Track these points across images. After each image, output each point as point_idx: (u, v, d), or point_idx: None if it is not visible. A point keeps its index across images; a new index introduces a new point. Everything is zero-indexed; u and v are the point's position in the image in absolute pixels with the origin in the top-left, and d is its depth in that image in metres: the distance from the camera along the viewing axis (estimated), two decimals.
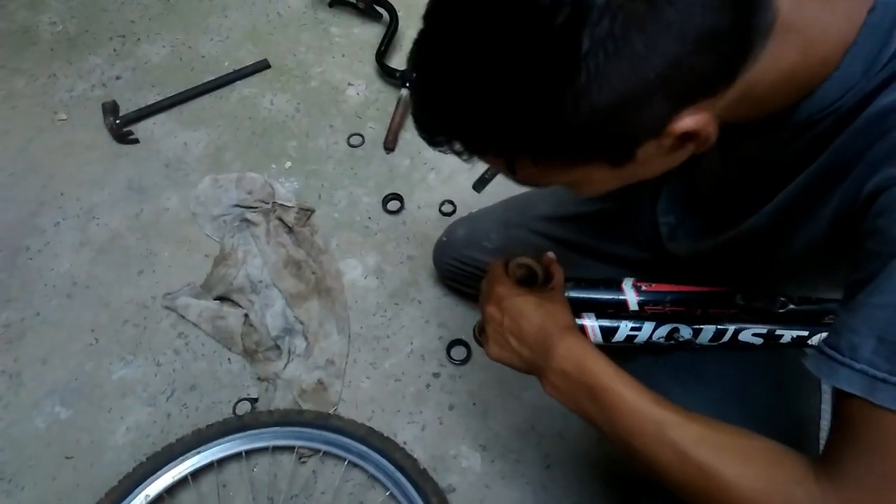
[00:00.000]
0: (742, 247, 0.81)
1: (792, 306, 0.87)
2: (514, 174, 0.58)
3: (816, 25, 0.55)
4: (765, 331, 0.87)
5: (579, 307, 0.90)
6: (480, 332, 0.98)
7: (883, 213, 0.54)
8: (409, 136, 1.77)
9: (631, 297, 0.92)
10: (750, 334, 0.88)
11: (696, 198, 0.92)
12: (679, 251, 0.95)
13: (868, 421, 0.54)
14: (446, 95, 0.52)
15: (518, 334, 0.81)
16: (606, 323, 0.91)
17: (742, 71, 0.52)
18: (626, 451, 0.70)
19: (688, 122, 0.51)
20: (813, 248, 0.69)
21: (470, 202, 1.61)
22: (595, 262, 1.17)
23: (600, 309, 0.93)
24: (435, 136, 0.56)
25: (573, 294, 0.91)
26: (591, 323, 0.92)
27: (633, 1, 0.44)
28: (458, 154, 0.57)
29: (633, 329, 0.91)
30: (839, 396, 0.56)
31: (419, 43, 0.53)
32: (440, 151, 0.57)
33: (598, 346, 0.89)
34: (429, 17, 0.52)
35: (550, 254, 0.92)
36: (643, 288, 0.93)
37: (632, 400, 0.69)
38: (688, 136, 0.53)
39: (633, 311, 0.92)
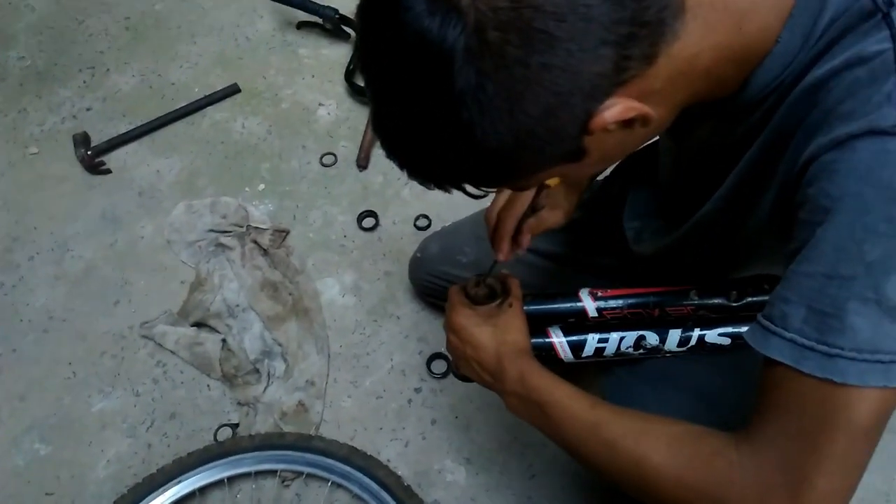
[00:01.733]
0: (701, 236, 0.82)
1: (749, 298, 0.87)
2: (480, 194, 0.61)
3: None
4: (729, 329, 0.88)
5: (541, 320, 0.91)
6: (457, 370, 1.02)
7: (812, 182, 0.54)
8: (382, 152, 1.77)
9: (589, 304, 0.93)
10: (716, 335, 0.88)
11: (658, 199, 0.93)
12: (644, 251, 0.97)
13: (791, 387, 0.55)
14: (390, 146, 0.56)
15: (479, 361, 0.87)
16: (574, 338, 0.93)
17: (659, 54, 0.51)
18: (576, 458, 0.74)
19: (608, 114, 0.51)
20: (764, 228, 0.70)
21: (445, 215, 1.62)
22: (568, 270, 1.18)
23: (560, 319, 0.93)
24: (409, 175, 0.59)
25: (532, 307, 0.92)
26: (558, 339, 0.93)
27: (486, 53, 0.45)
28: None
29: (600, 341, 0.92)
30: (766, 365, 0.57)
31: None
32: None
33: (571, 363, 0.91)
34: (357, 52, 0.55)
35: (504, 271, 0.95)
36: (599, 294, 0.94)
37: (571, 408, 0.73)
38: (623, 122, 0.52)
39: (593, 318, 0.93)
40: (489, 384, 0.87)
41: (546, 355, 0.93)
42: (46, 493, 1.32)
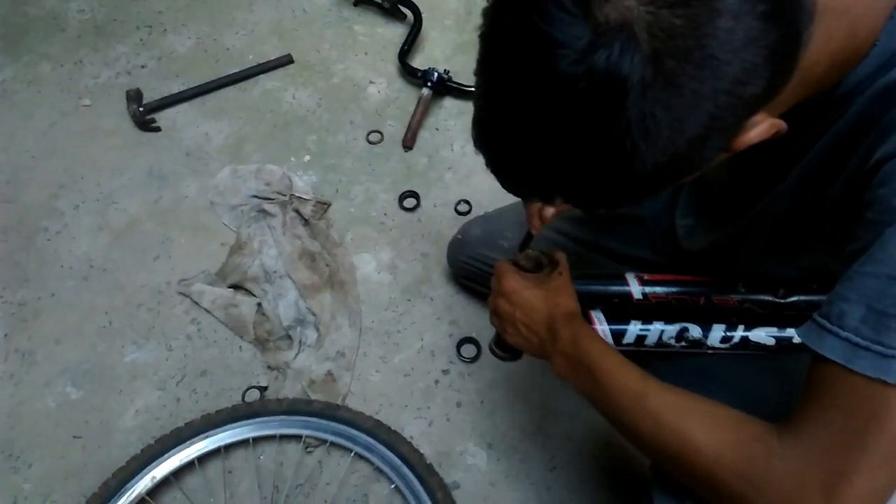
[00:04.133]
0: (755, 232, 0.82)
1: (796, 297, 0.86)
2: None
3: (860, 1, 0.54)
4: (774, 331, 0.87)
5: (585, 301, 0.91)
6: (496, 344, 1.03)
7: (885, 183, 0.54)
8: (428, 135, 1.78)
9: (634, 286, 0.93)
10: (761, 335, 0.87)
11: (711, 195, 0.93)
12: (695, 247, 0.96)
13: (840, 385, 0.55)
14: (516, 169, 0.55)
15: (528, 324, 0.87)
16: (616, 326, 0.93)
17: (797, 65, 0.51)
18: (617, 427, 0.75)
19: (754, 133, 0.51)
20: (822, 225, 0.70)
21: (485, 202, 1.62)
22: (609, 261, 1.17)
23: (605, 301, 0.94)
24: (514, 192, 0.59)
25: (578, 288, 0.92)
26: (601, 327, 0.93)
27: (656, 81, 0.43)
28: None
29: (642, 329, 0.92)
30: (816, 361, 0.57)
31: (479, 126, 0.55)
32: None
33: None
34: (481, 89, 0.53)
35: (557, 251, 0.95)
36: (646, 277, 0.94)
37: (619, 375, 0.74)
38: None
39: (637, 300, 0.92)
40: (536, 348, 0.87)
41: None
42: (74, 436, 1.35)
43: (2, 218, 1.65)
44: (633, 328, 0.92)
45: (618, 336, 0.93)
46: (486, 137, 0.54)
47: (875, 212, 0.54)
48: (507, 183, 0.57)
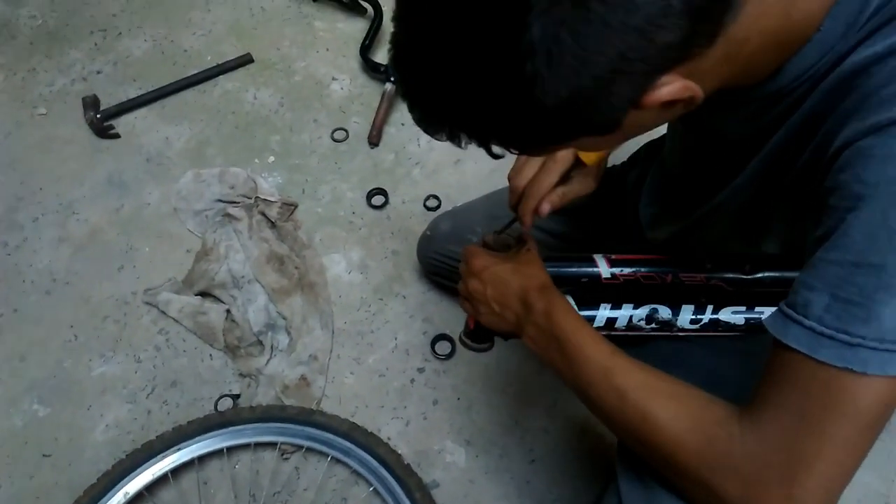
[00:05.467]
0: (715, 223, 0.82)
1: (762, 273, 0.86)
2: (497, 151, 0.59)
3: None
4: (744, 308, 0.87)
5: (555, 283, 0.90)
6: (466, 335, 1.01)
7: (845, 168, 0.53)
8: (394, 130, 1.76)
9: (603, 267, 0.93)
10: (730, 313, 0.87)
11: (673, 184, 0.92)
12: (657, 237, 0.96)
13: (802, 373, 0.55)
14: (423, 92, 0.54)
15: (501, 300, 0.85)
16: (586, 311, 0.92)
17: (721, 33, 0.50)
18: (583, 400, 0.75)
19: (665, 91, 0.50)
20: (781, 213, 0.70)
21: (454, 197, 1.61)
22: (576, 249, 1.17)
23: (574, 282, 0.93)
24: (425, 126, 0.57)
25: (547, 267, 0.91)
26: None
27: (564, 3, 0.43)
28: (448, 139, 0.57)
29: (612, 313, 0.91)
30: (778, 347, 0.57)
31: (392, 44, 0.53)
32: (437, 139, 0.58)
33: None
34: (396, 19, 0.52)
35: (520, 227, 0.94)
36: (613, 258, 0.93)
37: (589, 350, 0.73)
38: (670, 102, 0.52)
39: (605, 279, 0.92)
40: (511, 324, 0.85)
41: None
42: (44, 455, 1.32)
43: None
44: (603, 312, 0.91)
45: (588, 321, 0.92)
46: (399, 56, 0.53)
47: (837, 198, 0.54)
48: (420, 112, 0.55)
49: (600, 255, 0.94)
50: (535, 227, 1.19)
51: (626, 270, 0.92)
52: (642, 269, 0.92)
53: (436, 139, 0.57)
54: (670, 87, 0.50)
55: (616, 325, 0.92)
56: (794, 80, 0.58)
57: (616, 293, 0.92)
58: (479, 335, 0.99)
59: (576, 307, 0.91)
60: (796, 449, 0.55)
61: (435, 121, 0.55)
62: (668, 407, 0.65)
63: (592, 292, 0.93)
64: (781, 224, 0.78)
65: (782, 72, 0.58)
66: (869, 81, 0.53)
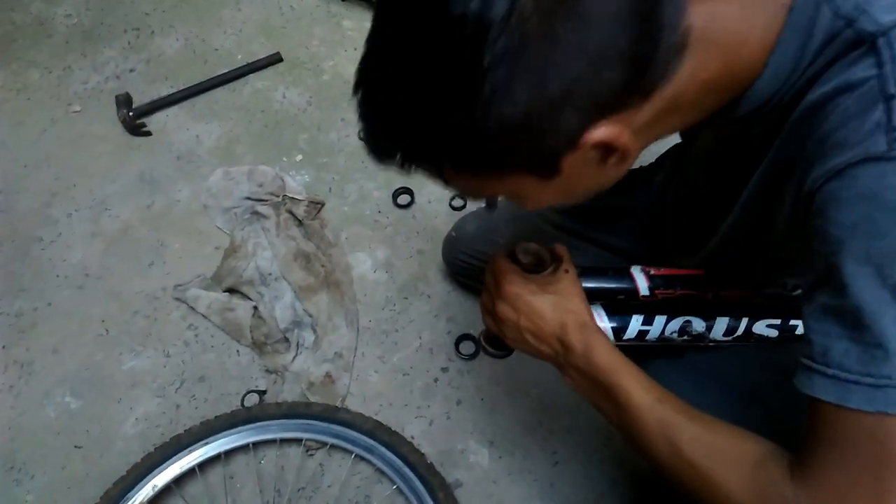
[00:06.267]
0: (729, 248, 0.82)
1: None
2: (445, 183, 0.59)
3: (733, 34, 0.55)
4: (778, 322, 0.86)
5: (589, 298, 0.88)
6: (486, 341, 0.98)
7: (819, 214, 0.54)
8: None
9: (641, 282, 0.89)
10: (764, 325, 0.86)
11: (681, 219, 0.94)
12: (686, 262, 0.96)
13: (841, 424, 0.53)
14: (375, 106, 0.54)
15: (536, 333, 0.80)
16: (617, 322, 0.89)
17: (657, 89, 0.52)
18: (632, 446, 0.72)
19: (600, 132, 0.52)
20: (785, 245, 0.70)
21: None
22: (602, 252, 1.16)
23: (610, 297, 0.90)
24: (377, 151, 0.57)
25: (584, 283, 0.89)
26: (602, 324, 0.89)
27: (530, 20, 0.44)
28: (399, 166, 0.58)
29: (644, 324, 0.89)
30: (811, 401, 0.56)
31: (359, 63, 0.54)
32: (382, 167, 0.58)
33: None
34: (367, 40, 0.54)
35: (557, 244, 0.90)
36: (652, 272, 0.90)
37: (638, 398, 0.71)
38: (606, 148, 0.54)
39: (643, 297, 0.89)
40: (546, 358, 0.82)
41: None
42: (75, 446, 1.35)
43: None
44: (636, 323, 0.89)
45: (618, 332, 0.90)
46: (364, 69, 0.53)
47: (819, 243, 0.54)
48: (376, 134, 0.56)
49: (638, 269, 0.91)
50: (555, 227, 1.19)
51: (665, 284, 0.89)
52: (682, 286, 0.89)
53: (385, 165, 0.57)
54: (605, 129, 0.52)
55: (647, 337, 0.90)
56: (755, 108, 0.60)
57: (650, 306, 0.90)
58: (499, 342, 0.94)
59: (607, 318, 0.89)
60: None
61: (390, 145, 0.55)
62: (724, 466, 0.63)
63: (625, 303, 0.91)
64: (794, 266, 0.78)
65: (740, 103, 0.60)
66: (824, 123, 0.54)
